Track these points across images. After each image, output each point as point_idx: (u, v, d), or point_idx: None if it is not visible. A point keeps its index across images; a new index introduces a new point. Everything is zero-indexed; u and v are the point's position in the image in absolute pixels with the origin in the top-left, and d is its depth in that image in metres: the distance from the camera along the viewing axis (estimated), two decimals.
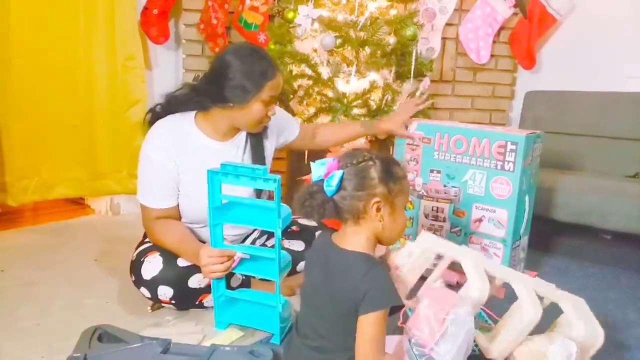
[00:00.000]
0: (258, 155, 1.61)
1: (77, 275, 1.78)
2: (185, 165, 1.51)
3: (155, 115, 1.58)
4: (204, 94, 1.49)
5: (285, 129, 1.73)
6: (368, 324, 0.97)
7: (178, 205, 1.55)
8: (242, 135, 1.59)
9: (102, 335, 1.27)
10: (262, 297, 1.42)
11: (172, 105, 1.56)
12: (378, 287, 0.98)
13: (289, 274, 1.55)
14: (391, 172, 1.04)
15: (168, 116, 1.55)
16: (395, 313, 1.03)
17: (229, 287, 1.49)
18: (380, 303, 0.97)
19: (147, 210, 1.52)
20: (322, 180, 1.03)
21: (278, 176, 1.24)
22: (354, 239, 1.05)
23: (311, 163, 1.05)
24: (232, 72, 1.43)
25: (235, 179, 1.31)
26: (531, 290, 1.22)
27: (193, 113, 1.55)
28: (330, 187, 1.01)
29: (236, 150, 1.58)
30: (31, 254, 1.96)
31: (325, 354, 1.05)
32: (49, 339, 1.35)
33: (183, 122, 1.54)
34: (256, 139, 1.61)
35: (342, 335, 1.02)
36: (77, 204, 2.65)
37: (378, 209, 1.03)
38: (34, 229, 2.28)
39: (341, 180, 1.02)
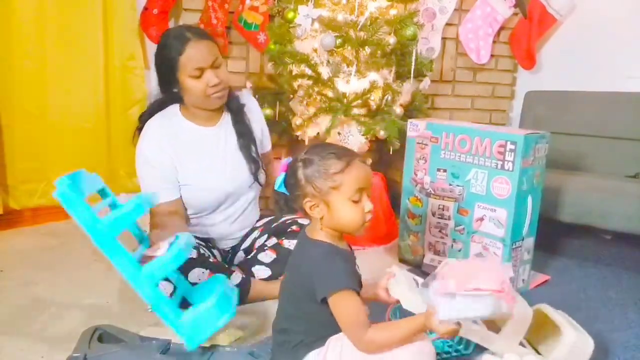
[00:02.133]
0: (247, 140, 1.63)
1: (77, 275, 1.78)
2: (180, 156, 1.55)
3: (145, 119, 1.62)
4: (161, 90, 1.58)
5: (263, 137, 1.77)
6: (334, 305, 1.01)
7: (181, 197, 1.58)
8: (226, 119, 1.63)
9: (102, 336, 1.27)
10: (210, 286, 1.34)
11: (154, 108, 1.62)
12: (326, 271, 1.02)
13: (271, 279, 1.59)
14: (318, 170, 1.04)
15: (155, 115, 1.59)
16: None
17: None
18: (331, 285, 1.00)
19: (153, 210, 1.54)
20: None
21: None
22: (317, 230, 1.09)
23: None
24: (156, 60, 1.52)
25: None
26: None
27: (177, 106, 1.61)
28: (276, 188, 1.10)
29: (224, 133, 1.62)
30: (31, 254, 1.96)
31: (285, 336, 1.10)
32: (49, 339, 1.34)
33: (171, 116, 1.59)
34: (240, 124, 1.63)
35: (299, 317, 1.07)
36: None
37: (311, 208, 1.06)
38: (34, 229, 2.28)
39: (283, 181, 1.09)
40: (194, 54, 1.46)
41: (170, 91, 1.56)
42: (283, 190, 1.10)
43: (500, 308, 0.92)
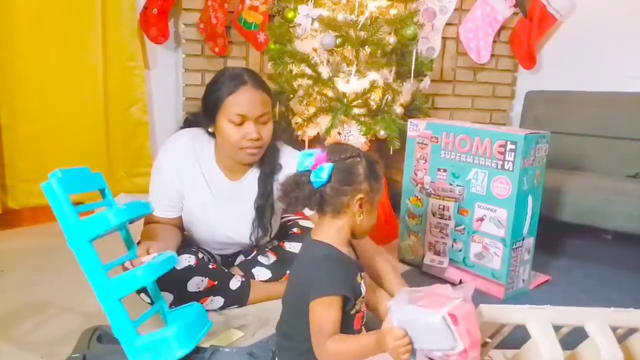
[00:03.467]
0: (266, 203, 1.49)
1: (77, 275, 1.76)
2: (192, 187, 1.49)
3: (187, 123, 1.56)
4: (202, 123, 1.47)
5: None
6: (311, 310, 1.00)
7: (180, 218, 1.55)
8: (252, 175, 1.51)
9: (102, 336, 1.26)
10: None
11: (192, 122, 1.54)
12: (322, 274, 1.01)
13: (271, 280, 1.58)
14: (375, 171, 1.07)
15: (192, 130, 1.50)
16: (347, 307, 1.01)
17: (228, 289, 1.49)
18: (322, 290, 0.99)
19: (150, 215, 1.52)
20: (309, 170, 1.03)
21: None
22: (326, 230, 1.07)
23: (300, 152, 1.06)
24: (206, 91, 1.42)
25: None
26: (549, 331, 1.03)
27: (213, 143, 1.48)
28: (319, 178, 1.01)
29: (246, 188, 1.50)
30: (31, 254, 1.96)
31: (290, 341, 1.08)
32: (49, 339, 1.34)
33: (205, 149, 1.48)
34: (265, 184, 1.48)
35: (299, 322, 1.04)
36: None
37: (361, 205, 1.05)
38: (34, 229, 2.27)
39: (331, 173, 1.02)
40: (242, 99, 1.35)
41: (206, 127, 1.46)
42: (325, 181, 1.01)
43: (454, 339, 0.84)
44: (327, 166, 1.01)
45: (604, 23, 2.63)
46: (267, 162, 1.48)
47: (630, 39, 2.56)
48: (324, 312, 0.98)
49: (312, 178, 1.02)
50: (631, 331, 1.11)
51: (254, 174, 1.51)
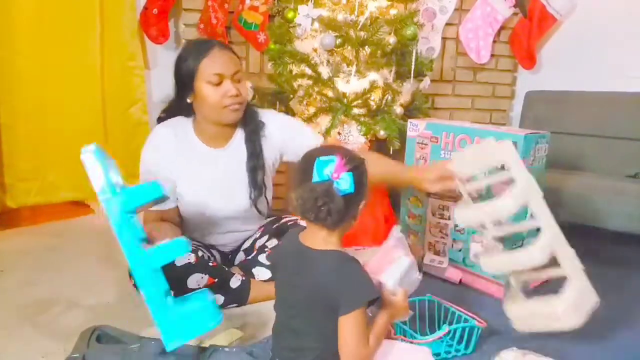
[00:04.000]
0: (256, 163, 1.54)
1: (77, 275, 1.78)
2: (181, 172, 1.52)
3: (161, 121, 1.60)
4: (175, 101, 1.52)
5: (294, 144, 1.59)
6: (350, 322, 0.97)
7: (176, 209, 1.57)
8: (238, 138, 1.55)
9: (101, 336, 1.26)
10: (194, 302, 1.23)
11: (169, 114, 1.58)
12: (353, 284, 0.98)
13: (272, 280, 1.55)
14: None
15: (169, 120, 1.56)
16: (373, 304, 1.03)
17: (228, 287, 1.50)
18: (358, 301, 0.97)
19: (146, 214, 1.53)
20: (329, 180, 0.97)
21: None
22: (324, 237, 1.03)
23: (317, 159, 0.99)
24: (176, 67, 1.46)
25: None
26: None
27: (191, 120, 1.55)
28: (345, 189, 0.97)
29: (234, 153, 1.55)
30: (31, 254, 1.96)
31: (296, 352, 1.05)
32: (49, 339, 1.34)
33: (182, 128, 1.53)
34: (253, 144, 1.54)
35: (314, 333, 1.02)
36: (78, 204, 2.65)
37: (362, 210, 1.05)
38: (34, 229, 2.28)
39: (353, 181, 0.98)
40: (216, 59, 1.42)
41: (182, 102, 1.49)
42: (350, 192, 0.98)
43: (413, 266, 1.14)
44: (350, 175, 0.97)
45: (604, 23, 2.63)
46: (249, 122, 1.53)
47: (630, 39, 2.56)
48: (363, 319, 0.98)
49: (336, 188, 0.97)
50: None
51: (239, 137, 1.54)
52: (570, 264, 1.32)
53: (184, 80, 1.44)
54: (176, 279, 1.43)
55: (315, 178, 0.98)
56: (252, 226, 1.71)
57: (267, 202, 1.64)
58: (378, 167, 1.42)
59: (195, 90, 1.44)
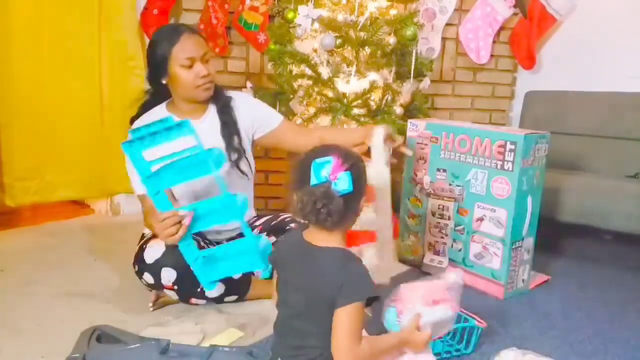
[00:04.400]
0: (231, 130, 1.64)
1: (77, 275, 1.78)
2: (159, 151, 1.52)
3: (132, 122, 1.66)
4: (150, 84, 1.64)
5: (262, 116, 1.72)
6: (345, 315, 0.97)
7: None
8: (212, 113, 1.65)
9: (101, 336, 1.27)
10: (237, 246, 1.39)
11: (141, 110, 1.66)
12: (354, 279, 0.99)
13: (271, 278, 1.56)
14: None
15: (142, 116, 1.63)
16: (371, 305, 1.03)
17: (230, 277, 1.51)
18: (357, 295, 0.97)
19: (140, 199, 1.56)
20: (327, 181, 0.97)
21: (187, 120, 1.22)
22: (331, 236, 1.04)
23: (313, 161, 0.99)
24: (149, 52, 1.58)
25: (151, 140, 1.25)
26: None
27: (164, 104, 1.65)
28: (344, 189, 0.97)
29: (209, 125, 1.62)
30: (31, 254, 1.96)
31: (298, 350, 1.05)
32: (49, 339, 1.35)
33: (157, 112, 1.61)
34: (225, 115, 1.65)
35: (315, 332, 1.02)
36: (77, 204, 2.65)
37: (363, 207, 1.05)
38: (34, 229, 2.28)
39: (352, 181, 0.98)
40: (186, 45, 1.53)
41: (158, 85, 1.60)
42: (348, 192, 0.98)
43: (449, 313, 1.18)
44: (347, 175, 0.97)
45: (603, 23, 2.63)
46: (220, 98, 1.67)
47: (630, 39, 2.56)
48: (359, 316, 0.98)
49: (334, 189, 0.97)
50: None
51: (212, 111, 1.65)
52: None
53: (158, 64, 1.56)
54: (181, 260, 1.43)
55: (314, 181, 0.98)
56: (241, 194, 1.71)
57: (250, 165, 1.71)
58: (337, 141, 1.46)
59: (170, 73, 1.56)
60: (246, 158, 1.68)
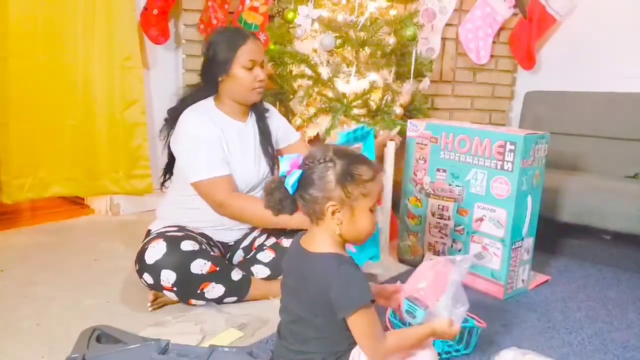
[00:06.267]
0: (267, 136, 1.75)
1: (77, 275, 1.78)
2: (226, 138, 1.64)
3: (174, 112, 1.69)
4: (203, 78, 1.68)
5: (285, 131, 1.84)
6: (354, 324, 0.98)
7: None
8: (252, 119, 1.74)
9: (101, 336, 1.27)
10: None
11: (186, 102, 1.68)
12: (346, 287, 0.98)
13: (270, 278, 1.61)
14: (352, 175, 1.00)
15: (189, 108, 1.65)
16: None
17: (229, 279, 1.53)
18: (354, 302, 0.97)
19: (210, 186, 1.57)
20: (284, 175, 1.02)
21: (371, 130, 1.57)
22: (319, 239, 1.04)
23: (279, 157, 1.06)
24: (212, 50, 1.64)
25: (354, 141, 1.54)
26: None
27: (211, 98, 1.69)
28: (288, 185, 1.00)
29: (252, 131, 1.72)
30: (31, 254, 1.96)
31: (301, 355, 1.05)
32: (49, 339, 1.34)
33: (207, 107, 1.67)
34: (263, 122, 1.76)
35: (315, 338, 1.03)
36: (77, 204, 2.65)
37: (333, 212, 1.00)
38: (34, 229, 2.28)
39: (299, 179, 1.00)
40: (251, 48, 1.63)
41: (212, 82, 1.65)
42: (293, 189, 1.01)
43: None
44: (296, 173, 1.00)
45: (603, 23, 2.64)
46: (259, 105, 1.76)
47: (629, 39, 2.56)
48: (370, 319, 0.98)
49: (285, 183, 1.01)
50: None
51: (253, 118, 1.75)
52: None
53: (221, 61, 1.62)
54: (181, 263, 1.47)
55: (280, 173, 1.04)
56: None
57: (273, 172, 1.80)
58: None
59: (230, 72, 1.62)
60: (277, 165, 1.74)
